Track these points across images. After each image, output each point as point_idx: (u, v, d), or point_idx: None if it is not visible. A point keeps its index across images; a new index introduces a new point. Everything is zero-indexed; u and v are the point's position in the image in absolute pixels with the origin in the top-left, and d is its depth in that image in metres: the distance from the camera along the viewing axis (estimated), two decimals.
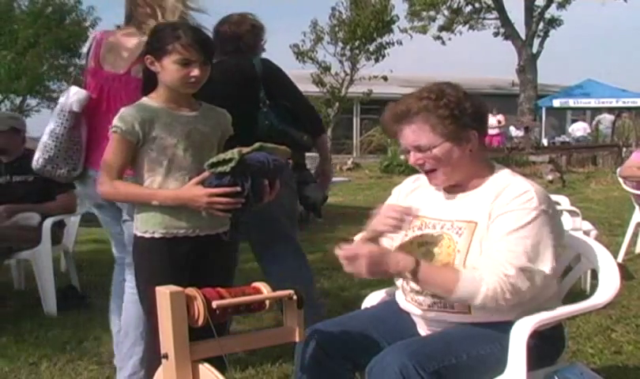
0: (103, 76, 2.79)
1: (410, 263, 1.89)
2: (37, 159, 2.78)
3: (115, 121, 2.34)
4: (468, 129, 2.02)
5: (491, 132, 18.57)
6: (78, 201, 4.55)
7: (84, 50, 2.96)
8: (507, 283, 1.84)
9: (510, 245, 1.89)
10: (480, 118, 2.06)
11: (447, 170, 2.04)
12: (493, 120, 18.66)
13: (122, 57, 2.76)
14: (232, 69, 3.22)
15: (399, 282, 2.17)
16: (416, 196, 2.21)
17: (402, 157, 14.01)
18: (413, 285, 2.09)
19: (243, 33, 3.36)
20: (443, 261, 1.99)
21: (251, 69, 3.26)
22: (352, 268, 1.89)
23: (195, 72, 2.32)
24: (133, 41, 2.73)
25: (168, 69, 2.32)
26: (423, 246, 2.06)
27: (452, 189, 2.11)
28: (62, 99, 2.79)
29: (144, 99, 2.41)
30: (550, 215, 1.95)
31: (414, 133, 2.02)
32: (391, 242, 2.19)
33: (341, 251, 1.89)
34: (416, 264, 1.89)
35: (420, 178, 2.23)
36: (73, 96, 2.74)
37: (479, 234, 1.96)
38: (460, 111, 2.00)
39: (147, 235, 2.36)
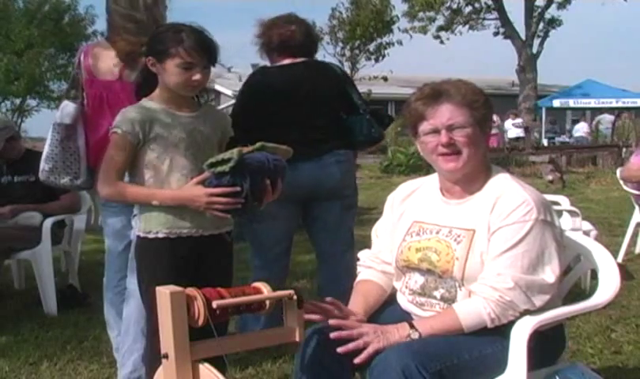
0: (101, 84, 2.88)
1: (406, 328, 1.94)
2: (42, 170, 2.96)
3: (115, 122, 2.35)
4: (488, 123, 2.10)
5: None
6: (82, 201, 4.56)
7: (75, 62, 3.08)
8: (508, 301, 1.89)
9: (512, 260, 1.90)
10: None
11: (471, 154, 2.02)
12: None
13: (110, 64, 2.85)
14: (328, 73, 3.34)
15: (398, 284, 2.17)
16: (412, 201, 2.20)
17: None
18: (414, 287, 2.09)
19: (314, 37, 3.48)
20: (442, 268, 2.00)
21: (336, 72, 3.40)
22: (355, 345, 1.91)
23: (197, 76, 2.32)
24: (112, 53, 2.84)
25: (170, 71, 2.32)
26: (420, 252, 2.06)
27: (449, 194, 2.11)
28: (56, 114, 2.94)
29: (144, 100, 2.41)
30: (549, 223, 1.96)
31: (451, 112, 2.02)
32: (388, 244, 2.19)
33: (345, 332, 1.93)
34: (411, 327, 1.94)
35: (415, 183, 2.24)
36: (64, 110, 2.92)
37: (477, 242, 1.97)
38: (487, 108, 2.07)
39: (150, 236, 2.35)
